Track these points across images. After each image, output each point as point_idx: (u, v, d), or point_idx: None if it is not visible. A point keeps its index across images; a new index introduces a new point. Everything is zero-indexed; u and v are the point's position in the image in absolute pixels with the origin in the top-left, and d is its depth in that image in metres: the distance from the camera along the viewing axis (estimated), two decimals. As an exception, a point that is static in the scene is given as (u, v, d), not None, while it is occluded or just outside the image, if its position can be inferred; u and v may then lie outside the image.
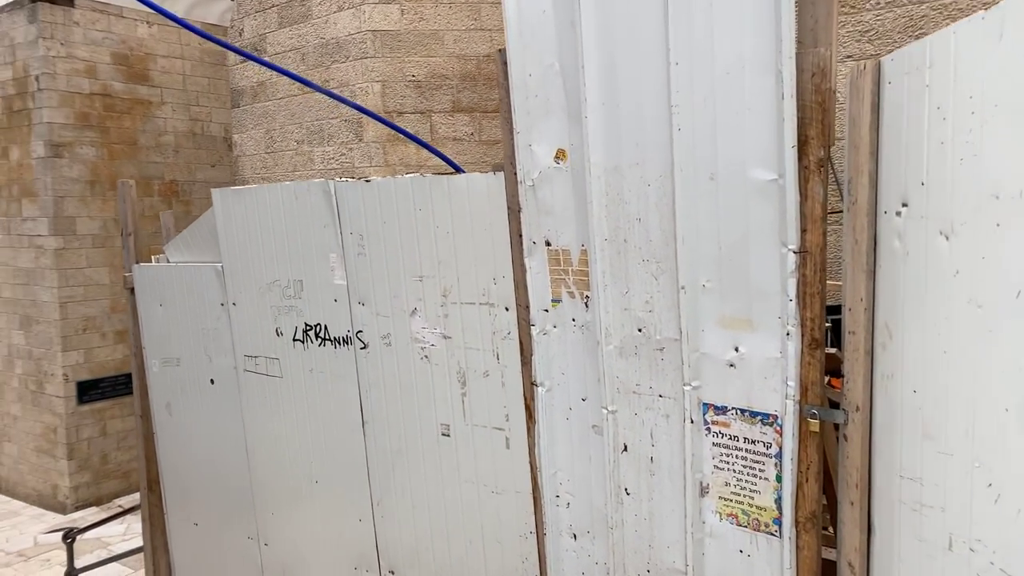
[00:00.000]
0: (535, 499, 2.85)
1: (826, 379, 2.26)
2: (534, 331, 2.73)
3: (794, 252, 2.11)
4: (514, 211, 2.68)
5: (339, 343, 3.27)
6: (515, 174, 2.65)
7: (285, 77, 6.76)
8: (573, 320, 2.64)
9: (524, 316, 2.75)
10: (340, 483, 3.40)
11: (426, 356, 3.02)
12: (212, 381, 3.81)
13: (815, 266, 2.10)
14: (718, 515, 2.38)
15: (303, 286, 3.34)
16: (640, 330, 2.45)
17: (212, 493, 3.96)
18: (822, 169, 2.07)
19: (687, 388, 2.37)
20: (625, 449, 2.56)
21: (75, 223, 8.47)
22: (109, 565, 5.73)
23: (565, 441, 2.73)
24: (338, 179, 3.12)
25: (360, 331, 3.19)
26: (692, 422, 2.38)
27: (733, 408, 2.30)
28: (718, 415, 2.33)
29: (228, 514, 3.90)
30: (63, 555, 6.62)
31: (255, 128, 6.96)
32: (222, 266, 3.62)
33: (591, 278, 2.53)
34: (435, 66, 6.17)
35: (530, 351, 2.76)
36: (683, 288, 2.32)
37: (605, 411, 2.56)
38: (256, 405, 3.65)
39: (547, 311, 2.69)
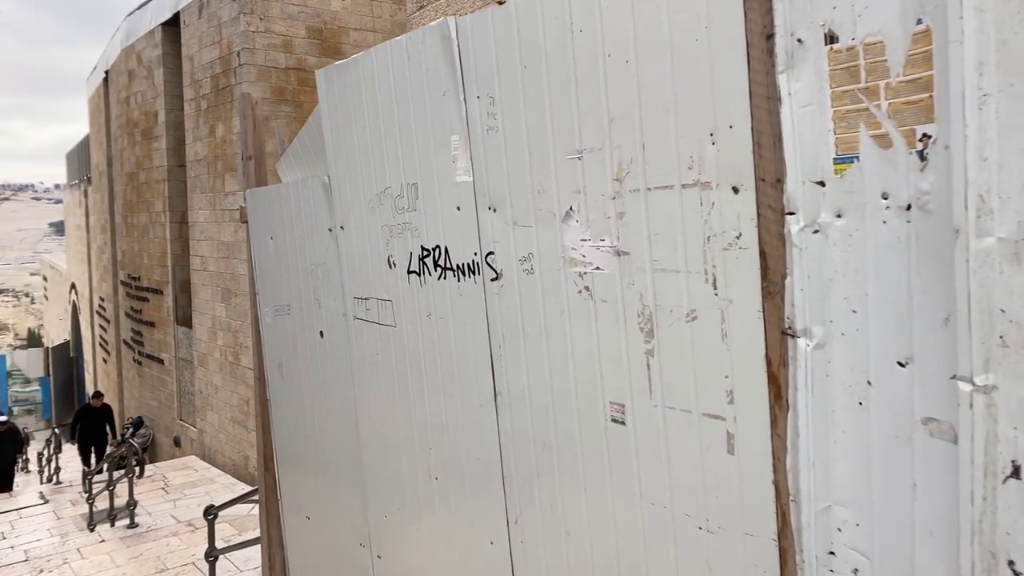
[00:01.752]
0: (783, 552, 1.47)
1: None
2: (793, 227, 1.36)
3: None
4: (758, -15, 1.34)
5: (463, 273, 2.11)
6: (763, -95, 1.30)
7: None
8: (884, 197, 1.23)
9: (772, 200, 1.39)
10: (466, 484, 2.24)
11: (586, 288, 1.76)
12: (321, 334, 2.84)
13: None
14: None
15: (418, 191, 2.23)
16: (1085, 190, 1.00)
17: (323, 482, 3.00)
18: None
19: None
20: (1016, 474, 1.10)
21: (269, 197, 8.29)
22: (259, 545, 5.11)
23: (854, 447, 1.33)
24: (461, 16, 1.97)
25: (491, 253, 2.00)
26: None
27: None
28: None
29: (339, 511, 2.90)
30: (229, 529, 6.22)
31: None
32: (328, 177, 2.63)
33: (939, 92, 1.12)
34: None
35: (782, 270, 1.39)
36: None
37: (969, 388, 1.13)
38: (367, 366, 2.60)
39: (823, 185, 1.31)
